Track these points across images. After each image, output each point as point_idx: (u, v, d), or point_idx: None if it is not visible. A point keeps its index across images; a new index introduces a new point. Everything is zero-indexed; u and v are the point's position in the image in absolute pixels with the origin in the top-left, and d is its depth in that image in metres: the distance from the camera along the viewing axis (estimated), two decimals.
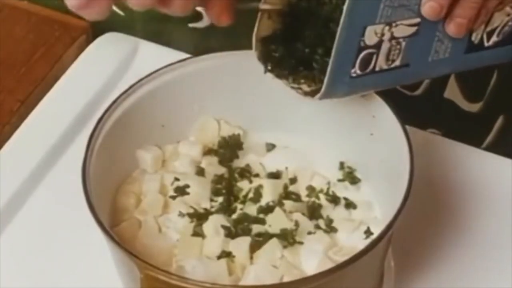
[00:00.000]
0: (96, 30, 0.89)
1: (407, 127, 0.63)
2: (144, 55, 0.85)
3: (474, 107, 0.88)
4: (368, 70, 0.57)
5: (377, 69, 0.58)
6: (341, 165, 0.69)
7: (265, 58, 0.63)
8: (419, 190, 0.61)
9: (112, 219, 0.65)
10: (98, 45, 0.87)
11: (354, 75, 0.57)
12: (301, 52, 0.61)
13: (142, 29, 0.87)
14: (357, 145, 0.68)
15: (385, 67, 0.58)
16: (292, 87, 0.62)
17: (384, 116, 0.64)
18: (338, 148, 0.70)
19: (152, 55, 0.84)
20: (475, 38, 0.60)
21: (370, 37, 0.56)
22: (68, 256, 0.70)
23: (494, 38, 0.62)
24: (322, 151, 0.71)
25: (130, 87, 0.67)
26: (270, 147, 0.71)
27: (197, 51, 0.70)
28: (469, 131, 0.81)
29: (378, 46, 0.57)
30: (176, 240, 0.64)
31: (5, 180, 0.75)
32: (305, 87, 0.61)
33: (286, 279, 0.61)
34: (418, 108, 0.85)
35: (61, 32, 0.88)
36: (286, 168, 0.69)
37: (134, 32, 0.87)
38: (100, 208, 0.60)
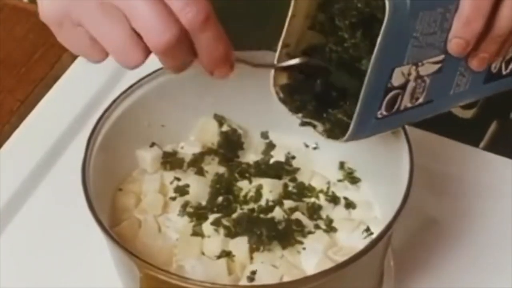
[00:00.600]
0: None
1: (407, 126, 0.63)
2: None
3: (467, 114, 0.89)
4: (394, 110, 0.57)
5: (401, 108, 0.57)
6: (341, 165, 0.69)
7: (289, 104, 0.62)
8: (418, 190, 0.61)
9: (112, 218, 0.65)
10: None
11: (380, 116, 0.57)
12: (325, 97, 0.61)
13: None
14: (356, 145, 0.68)
15: (409, 105, 0.58)
16: (317, 131, 0.61)
17: None
18: (338, 148, 0.69)
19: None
20: (494, 68, 0.61)
21: (397, 79, 0.56)
22: (68, 255, 0.70)
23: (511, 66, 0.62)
24: (321, 151, 0.71)
25: (130, 87, 0.67)
26: (270, 147, 0.71)
27: None
28: (463, 136, 0.81)
29: (404, 86, 0.56)
30: (176, 239, 0.64)
31: (5, 179, 0.75)
32: (331, 130, 0.61)
33: (286, 278, 0.61)
34: None
35: None
36: (286, 168, 0.69)
37: None
38: (100, 207, 0.60)
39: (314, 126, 0.61)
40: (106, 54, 0.56)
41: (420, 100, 0.58)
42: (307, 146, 0.71)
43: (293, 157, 0.70)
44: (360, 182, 0.68)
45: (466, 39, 0.56)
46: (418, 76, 0.57)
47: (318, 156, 0.71)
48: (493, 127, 0.90)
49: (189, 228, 0.64)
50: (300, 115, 0.61)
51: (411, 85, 0.57)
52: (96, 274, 0.68)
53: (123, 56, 0.54)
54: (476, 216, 0.73)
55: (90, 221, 0.58)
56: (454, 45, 0.57)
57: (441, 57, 0.57)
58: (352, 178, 0.69)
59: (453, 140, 0.79)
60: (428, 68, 0.57)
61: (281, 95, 0.62)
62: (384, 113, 0.57)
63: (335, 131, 0.59)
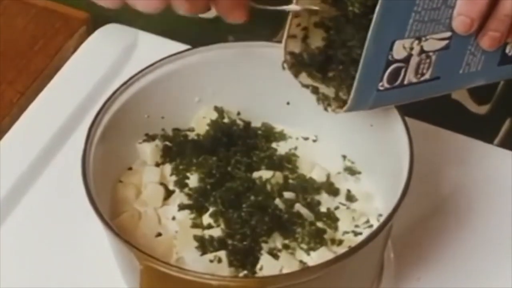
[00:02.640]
0: (96, 21, 0.89)
1: (407, 118, 0.63)
2: (144, 46, 0.85)
3: (481, 109, 0.88)
4: (397, 83, 0.57)
5: (405, 82, 0.57)
6: (342, 158, 0.69)
7: (294, 67, 0.62)
8: (419, 182, 0.61)
9: (112, 210, 0.65)
10: (98, 36, 0.87)
11: (381, 88, 0.57)
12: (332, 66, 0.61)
13: (143, 20, 0.87)
14: (357, 137, 0.68)
15: (414, 80, 0.57)
16: (319, 99, 0.61)
17: (384, 108, 0.64)
18: (338, 140, 0.70)
19: (152, 46, 0.84)
20: (509, 50, 0.60)
21: (398, 51, 0.55)
22: (68, 248, 0.70)
23: None
24: (322, 143, 0.71)
25: (130, 78, 0.67)
26: (271, 138, 0.71)
27: (197, 42, 0.70)
28: (476, 133, 0.81)
29: (407, 60, 0.56)
30: (176, 231, 0.64)
31: (5, 171, 0.75)
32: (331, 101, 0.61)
33: (285, 270, 0.61)
34: (424, 108, 0.85)
35: (61, 24, 0.88)
36: (287, 159, 0.69)
37: (134, 23, 0.87)
38: (100, 199, 0.60)
39: (317, 92, 0.60)
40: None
41: (426, 76, 0.58)
42: (307, 138, 0.71)
43: (294, 149, 0.70)
44: (360, 174, 0.68)
45: (471, 17, 0.55)
46: (422, 51, 0.56)
47: (318, 148, 0.71)
48: (507, 124, 0.90)
49: (188, 220, 0.64)
50: (304, 74, 0.60)
51: (414, 59, 0.56)
52: (96, 266, 0.68)
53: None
54: (476, 208, 0.73)
55: (90, 213, 0.58)
56: (459, 22, 0.56)
57: (448, 34, 0.56)
58: (352, 170, 0.69)
59: (454, 133, 0.79)
60: (433, 44, 0.56)
61: (290, 61, 0.61)
62: (386, 85, 0.56)
63: (338, 99, 0.58)
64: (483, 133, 0.82)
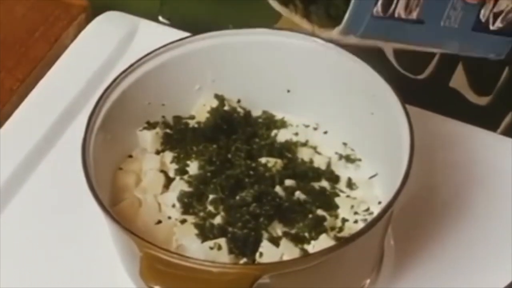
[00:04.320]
0: (96, 9, 0.89)
1: (408, 106, 0.63)
2: (144, 33, 0.85)
3: (482, 101, 0.88)
4: (388, 14, 0.59)
5: (396, 15, 0.60)
6: (342, 145, 0.69)
7: None
8: (419, 170, 0.61)
9: (112, 198, 0.65)
10: (98, 24, 0.87)
11: (376, 14, 0.59)
12: None
13: (142, 7, 0.87)
14: (357, 125, 0.68)
15: (403, 15, 0.60)
16: (310, 20, 0.63)
17: (384, 95, 0.64)
18: (339, 127, 0.70)
19: (152, 34, 0.84)
20: (482, 16, 0.62)
21: None
22: (68, 235, 0.70)
23: (498, 23, 0.63)
24: (322, 130, 0.71)
25: (130, 66, 0.66)
26: (271, 126, 0.71)
27: (197, 29, 0.70)
28: (475, 124, 0.81)
29: None
30: (176, 219, 0.64)
31: (5, 159, 0.75)
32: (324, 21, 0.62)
33: (286, 257, 0.61)
34: (421, 94, 0.85)
35: (60, 11, 0.88)
36: (287, 147, 0.69)
37: (134, 11, 0.87)
38: (100, 187, 0.60)
39: (309, 14, 0.61)
40: None
41: (413, 15, 0.60)
42: (308, 126, 0.71)
43: (294, 136, 0.70)
44: (361, 161, 0.68)
45: None
46: None
47: (319, 136, 0.71)
48: (508, 118, 0.89)
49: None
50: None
51: None
52: (96, 254, 0.68)
53: None
54: (478, 195, 0.73)
55: (90, 200, 0.58)
56: None
57: None
58: (352, 157, 0.69)
59: (455, 120, 0.78)
60: None
61: None
62: (380, 12, 0.58)
63: (331, 19, 0.60)
64: (483, 125, 0.82)
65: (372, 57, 0.77)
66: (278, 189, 0.65)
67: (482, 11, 0.62)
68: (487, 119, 0.86)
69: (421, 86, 0.87)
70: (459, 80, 0.86)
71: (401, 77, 0.85)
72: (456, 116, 0.79)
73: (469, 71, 0.86)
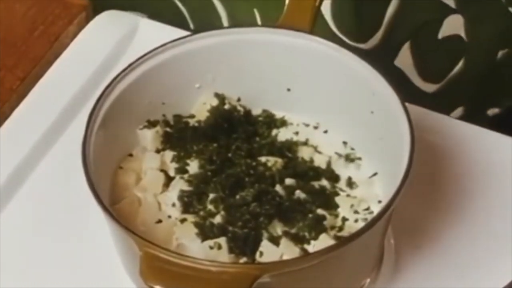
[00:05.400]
0: (96, 7, 0.89)
1: (408, 105, 0.63)
2: (144, 32, 0.85)
3: (429, 88, 0.83)
4: None
5: None
6: (342, 144, 0.69)
7: None
8: (420, 168, 0.61)
9: (112, 197, 0.65)
10: (98, 22, 0.87)
11: None
12: None
13: (143, 6, 0.87)
14: (357, 124, 0.68)
15: None
16: None
17: (384, 94, 0.64)
18: (339, 126, 0.70)
19: (152, 33, 0.84)
20: None
21: None
22: (68, 234, 0.70)
23: None
24: (322, 129, 0.71)
25: (131, 64, 0.66)
26: (271, 125, 0.71)
27: (197, 28, 0.70)
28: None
29: None
30: (176, 218, 0.64)
31: (5, 158, 0.74)
32: None
33: (286, 257, 0.61)
34: None
35: (60, 10, 0.88)
36: (287, 146, 0.69)
37: (134, 9, 0.87)
38: (100, 186, 0.60)
39: None
40: None
41: None
42: (308, 125, 0.71)
43: (295, 135, 0.70)
44: (361, 160, 0.68)
45: None
46: None
47: (319, 135, 0.70)
48: (458, 112, 0.87)
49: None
50: None
51: None
52: (96, 254, 0.68)
53: None
54: (478, 193, 0.73)
55: (90, 199, 0.58)
56: None
57: None
58: (352, 156, 0.69)
59: (456, 119, 0.78)
60: None
61: None
62: None
63: None
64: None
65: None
66: (278, 188, 0.65)
67: None
68: (432, 108, 0.81)
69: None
70: (405, 60, 0.82)
71: (341, 42, 0.75)
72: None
73: (418, 52, 0.81)
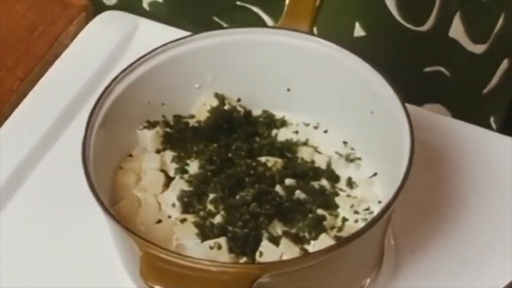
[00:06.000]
0: (96, 7, 0.89)
1: (408, 105, 0.63)
2: (144, 33, 0.85)
3: (478, 49, 0.87)
4: None
5: None
6: (342, 144, 0.69)
7: None
8: (420, 168, 0.61)
9: (113, 197, 0.65)
10: (98, 23, 0.87)
11: None
12: None
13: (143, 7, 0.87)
14: (357, 124, 0.68)
15: None
16: None
17: (384, 94, 0.64)
18: (339, 126, 0.70)
19: (152, 33, 0.84)
20: None
21: None
22: (68, 234, 0.70)
23: None
24: (323, 129, 0.71)
25: (130, 65, 0.66)
26: (271, 125, 0.71)
27: (197, 29, 0.70)
28: (473, 72, 0.79)
29: None
30: (176, 218, 0.64)
31: (5, 158, 0.74)
32: None
33: (286, 257, 0.61)
34: (422, 46, 0.84)
35: (60, 10, 0.88)
36: (287, 146, 0.69)
37: (134, 10, 0.87)
38: (100, 186, 0.60)
39: None
40: None
41: None
42: (308, 124, 0.71)
43: (294, 135, 0.70)
44: (361, 160, 0.68)
45: None
46: None
47: (319, 135, 0.70)
48: (504, 64, 0.89)
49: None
50: None
51: None
52: (96, 254, 0.68)
53: None
54: (477, 193, 0.73)
55: (90, 199, 0.58)
56: None
57: None
58: (353, 156, 0.69)
59: (456, 119, 0.78)
60: None
61: None
62: None
63: None
64: (480, 73, 0.81)
65: (372, 8, 0.75)
66: (278, 188, 0.65)
67: None
68: (484, 67, 0.85)
69: (422, 38, 0.86)
70: (457, 29, 0.86)
71: (403, 29, 0.84)
72: (454, 66, 0.77)
73: (466, 19, 0.85)
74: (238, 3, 0.82)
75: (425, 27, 0.85)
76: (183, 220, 0.64)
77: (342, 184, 0.67)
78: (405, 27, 0.84)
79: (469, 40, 0.86)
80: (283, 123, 0.71)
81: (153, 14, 0.87)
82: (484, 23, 0.86)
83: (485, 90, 0.89)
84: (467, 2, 0.83)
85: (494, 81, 0.88)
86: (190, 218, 0.63)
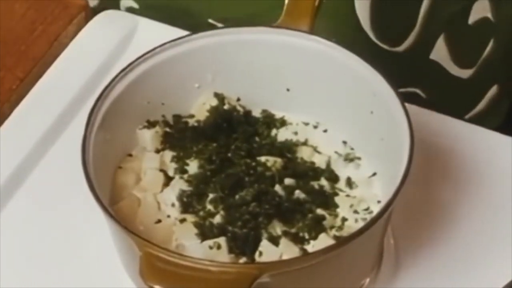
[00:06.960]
0: (95, 7, 0.88)
1: (408, 105, 0.63)
2: (143, 32, 0.85)
3: (464, 73, 0.86)
4: None
5: None
6: (342, 144, 0.69)
7: None
8: (419, 168, 0.61)
9: (112, 197, 0.65)
10: (97, 22, 0.87)
11: None
12: None
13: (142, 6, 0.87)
14: (357, 124, 0.68)
15: None
16: None
17: (384, 94, 0.64)
18: (338, 126, 0.70)
19: (151, 33, 0.84)
20: None
21: None
22: (68, 234, 0.70)
23: None
24: (322, 129, 0.71)
25: (130, 64, 0.66)
26: (271, 125, 0.71)
27: (197, 28, 0.70)
28: (455, 96, 0.79)
29: None
30: (175, 218, 0.64)
31: (4, 158, 0.74)
32: None
33: (285, 257, 0.61)
34: (400, 68, 0.82)
35: (59, 10, 0.88)
36: (287, 146, 0.69)
37: (133, 9, 0.87)
38: (100, 186, 0.60)
39: None
40: None
41: None
42: (307, 124, 0.71)
43: (294, 135, 0.70)
44: (360, 160, 0.68)
45: None
46: None
47: (319, 135, 0.70)
48: (493, 91, 0.88)
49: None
50: None
51: None
52: (95, 254, 0.68)
53: None
54: (478, 192, 0.73)
55: (90, 199, 0.58)
56: None
57: None
58: (352, 156, 0.69)
59: (456, 119, 0.78)
60: None
61: None
62: None
63: None
64: (465, 98, 0.80)
65: (348, 27, 0.75)
66: (277, 188, 0.65)
67: None
68: (470, 92, 0.84)
69: (399, 59, 0.84)
70: (440, 52, 0.85)
71: (377, 49, 0.82)
72: (436, 89, 0.77)
73: (452, 42, 0.84)
74: (210, 20, 0.82)
75: (401, 48, 0.83)
76: (182, 220, 0.64)
77: (341, 184, 0.67)
78: (380, 47, 0.83)
79: (453, 64, 0.85)
80: (282, 122, 0.71)
81: None
82: (471, 47, 0.85)
83: (468, 115, 0.88)
84: (453, 25, 0.82)
85: (480, 106, 0.87)
86: (190, 218, 0.63)
